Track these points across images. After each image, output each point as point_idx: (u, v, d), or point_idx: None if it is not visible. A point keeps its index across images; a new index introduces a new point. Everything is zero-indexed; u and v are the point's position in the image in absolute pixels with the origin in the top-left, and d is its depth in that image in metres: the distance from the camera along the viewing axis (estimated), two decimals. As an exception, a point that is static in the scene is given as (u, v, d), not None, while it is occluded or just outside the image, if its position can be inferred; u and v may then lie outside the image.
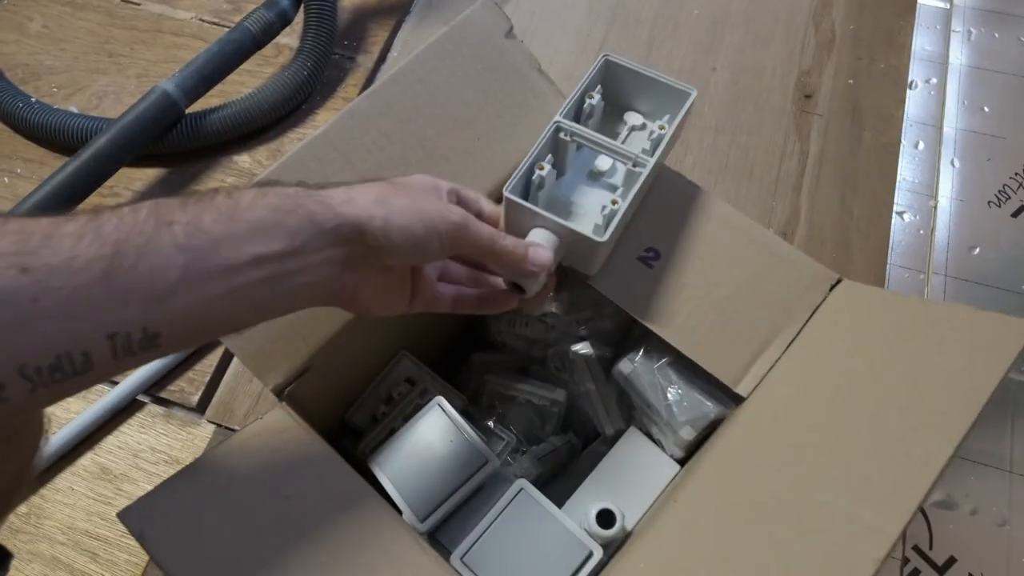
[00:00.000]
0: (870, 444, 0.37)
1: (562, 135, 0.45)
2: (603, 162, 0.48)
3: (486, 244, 0.38)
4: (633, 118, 0.49)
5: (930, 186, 0.70)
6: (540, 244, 0.41)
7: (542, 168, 0.44)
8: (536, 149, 0.44)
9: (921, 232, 0.68)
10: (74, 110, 0.76)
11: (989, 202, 0.69)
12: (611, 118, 0.50)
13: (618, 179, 0.47)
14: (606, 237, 0.41)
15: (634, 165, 0.44)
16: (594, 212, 0.46)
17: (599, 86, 0.47)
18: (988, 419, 0.63)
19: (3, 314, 0.23)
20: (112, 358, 0.27)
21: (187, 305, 0.27)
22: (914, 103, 0.74)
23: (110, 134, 0.67)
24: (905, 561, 0.59)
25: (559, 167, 0.47)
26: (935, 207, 0.69)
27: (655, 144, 0.45)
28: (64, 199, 0.66)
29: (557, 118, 0.45)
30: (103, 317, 0.26)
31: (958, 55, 0.76)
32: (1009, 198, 0.69)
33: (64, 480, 0.61)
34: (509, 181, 0.43)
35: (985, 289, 0.66)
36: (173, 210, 0.28)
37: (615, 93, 0.49)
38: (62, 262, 0.25)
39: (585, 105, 0.46)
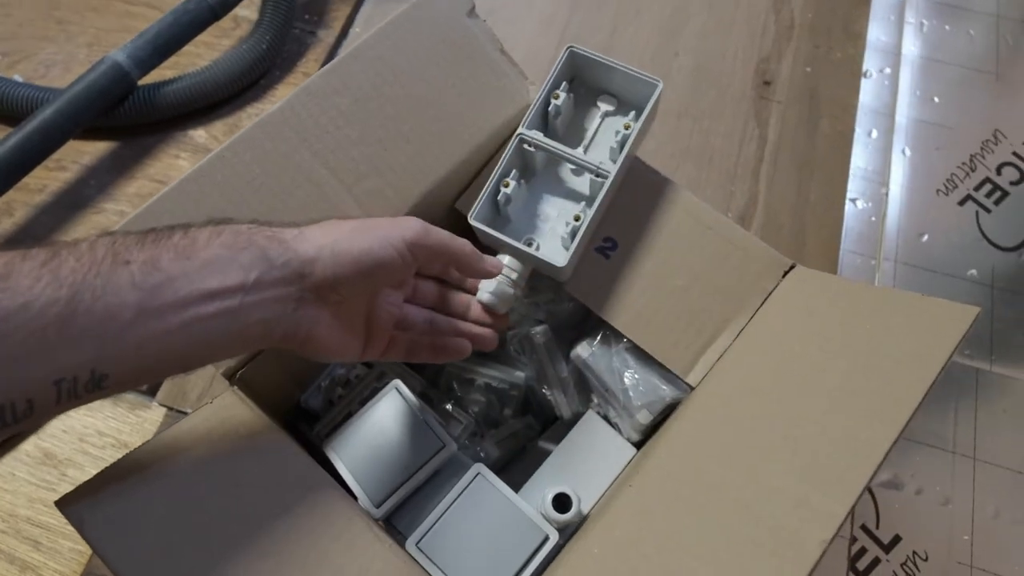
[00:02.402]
0: (819, 429, 0.38)
1: (526, 147, 0.45)
2: (568, 172, 0.48)
3: (448, 243, 0.38)
4: (606, 103, 0.49)
5: (882, 174, 0.71)
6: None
7: (507, 185, 0.45)
8: (501, 165, 0.45)
9: (873, 219, 0.69)
10: (19, 79, 0.72)
11: (937, 190, 0.71)
12: (585, 103, 0.50)
13: (585, 187, 0.48)
14: (566, 262, 0.43)
15: (597, 175, 0.45)
16: (562, 224, 0.47)
17: (565, 82, 0.47)
18: (932, 401, 0.65)
19: None
20: (55, 403, 0.26)
21: (139, 343, 0.27)
22: (868, 92, 0.75)
23: (57, 105, 0.64)
24: (852, 540, 0.61)
25: (529, 172, 0.48)
26: (886, 194, 0.70)
27: (622, 143, 0.45)
28: (8, 171, 0.63)
29: (521, 130, 0.45)
30: (54, 362, 0.25)
31: (911, 46, 0.77)
32: (956, 187, 0.71)
33: (5, 465, 0.59)
34: (475, 204, 0.45)
35: (933, 275, 0.67)
36: (130, 248, 0.28)
37: (586, 79, 0.49)
38: (17, 307, 0.24)
39: (551, 107, 0.46)
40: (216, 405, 0.40)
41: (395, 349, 0.42)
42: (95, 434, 0.60)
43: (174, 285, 0.28)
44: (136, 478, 0.36)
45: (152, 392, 0.61)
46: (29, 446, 0.60)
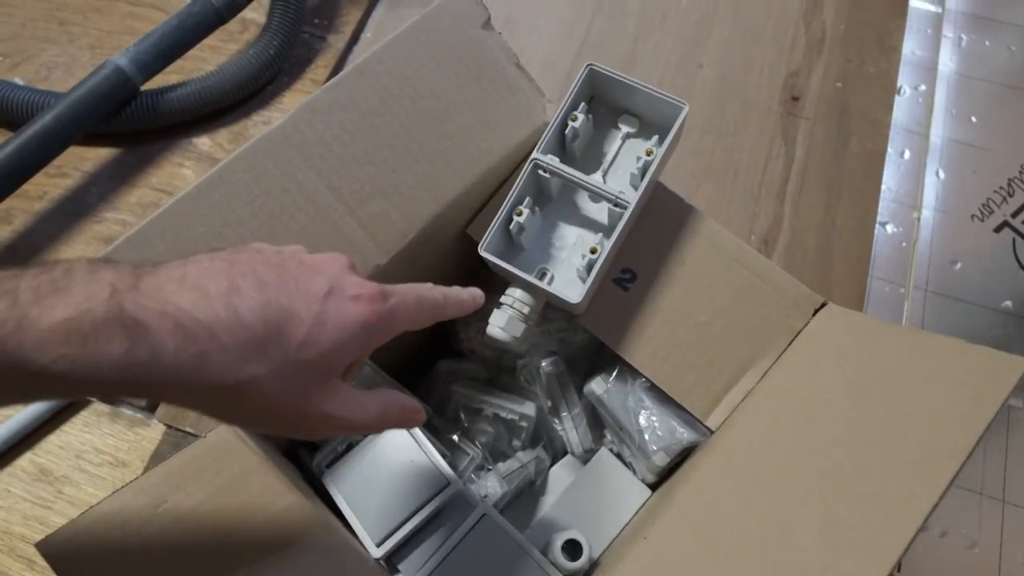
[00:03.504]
0: (851, 485, 0.35)
1: (541, 172, 0.43)
2: (585, 198, 0.46)
3: (414, 312, 0.32)
4: (627, 124, 0.46)
5: (914, 196, 0.68)
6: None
7: (520, 214, 0.42)
8: (514, 192, 0.42)
9: (903, 244, 0.66)
10: (19, 82, 0.70)
11: (972, 216, 0.68)
12: (605, 123, 0.47)
13: (603, 215, 0.45)
14: (581, 298, 0.41)
15: (616, 205, 0.42)
16: (578, 255, 0.45)
17: (584, 103, 0.45)
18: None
19: None
20: None
21: None
22: (901, 109, 0.72)
23: (58, 110, 0.62)
24: (873, 583, 0.58)
25: (544, 198, 0.46)
26: (918, 219, 0.67)
27: (644, 169, 0.43)
28: (8, 177, 0.61)
29: (535, 154, 0.43)
30: None
31: (947, 61, 0.74)
32: (992, 212, 0.68)
33: (0, 482, 0.57)
34: (486, 234, 0.42)
35: (965, 306, 0.64)
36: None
37: (606, 98, 0.47)
38: None
39: (568, 130, 0.44)
40: (210, 441, 0.38)
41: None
42: (92, 451, 0.59)
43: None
44: (123, 521, 0.34)
45: (151, 409, 0.59)
46: (25, 462, 0.58)
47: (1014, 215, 0.67)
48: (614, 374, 0.46)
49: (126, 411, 0.60)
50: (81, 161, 0.68)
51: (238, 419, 0.30)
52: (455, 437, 0.50)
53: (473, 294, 0.37)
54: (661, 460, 0.44)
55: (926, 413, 0.36)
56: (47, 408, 0.58)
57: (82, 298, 0.24)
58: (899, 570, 0.59)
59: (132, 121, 0.67)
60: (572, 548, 0.42)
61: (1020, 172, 0.69)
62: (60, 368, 0.23)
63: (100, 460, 0.59)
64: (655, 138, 0.45)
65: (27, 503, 0.57)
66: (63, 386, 0.24)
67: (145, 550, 0.34)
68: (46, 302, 0.23)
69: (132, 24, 0.74)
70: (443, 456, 0.45)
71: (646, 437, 0.43)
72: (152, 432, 0.59)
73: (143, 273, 0.26)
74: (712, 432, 0.42)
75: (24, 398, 0.25)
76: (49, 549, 0.33)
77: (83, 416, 0.60)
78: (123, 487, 0.36)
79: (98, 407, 0.60)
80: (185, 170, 0.68)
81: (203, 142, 0.69)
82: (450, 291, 0.35)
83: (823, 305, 0.44)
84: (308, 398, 0.29)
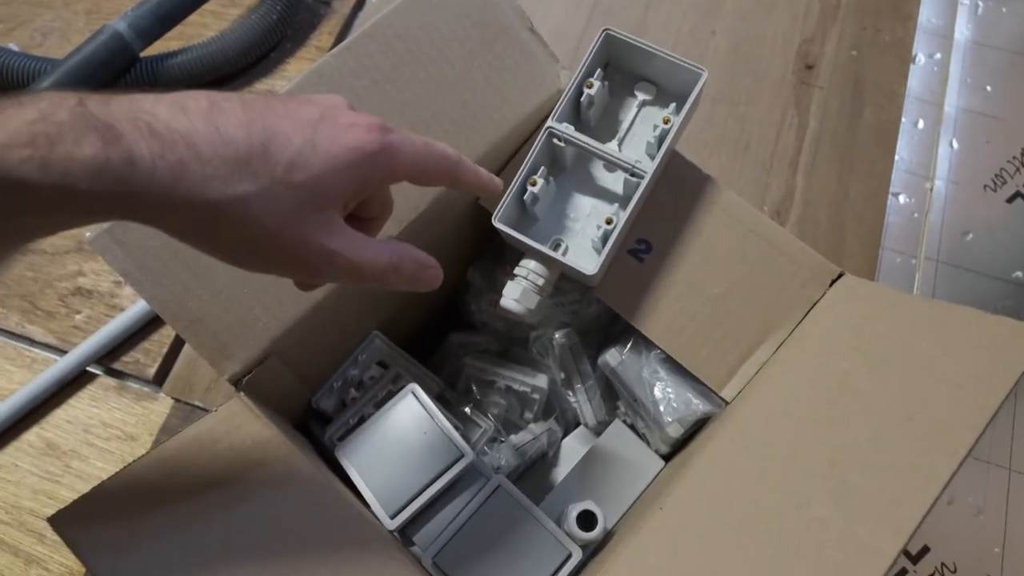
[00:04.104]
0: (868, 455, 0.35)
1: (556, 141, 0.42)
2: (600, 168, 0.45)
3: (424, 162, 0.30)
4: (644, 91, 0.45)
5: (927, 167, 0.68)
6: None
7: (534, 184, 0.41)
8: (528, 162, 0.41)
9: (915, 215, 0.66)
10: (14, 47, 0.68)
11: (985, 186, 0.67)
12: (620, 90, 0.46)
13: (618, 185, 0.44)
14: (596, 269, 0.40)
15: (632, 175, 0.41)
16: (593, 225, 0.44)
17: (600, 69, 0.43)
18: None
19: None
20: None
21: None
22: (916, 78, 0.71)
23: (55, 77, 0.61)
24: (880, 551, 0.59)
25: (558, 167, 0.45)
26: (931, 189, 0.66)
27: (661, 138, 0.42)
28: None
29: (550, 122, 0.42)
30: None
31: (963, 29, 0.73)
32: (1005, 183, 0.67)
33: (8, 456, 0.57)
34: (500, 204, 0.41)
35: (976, 276, 0.64)
36: None
37: (622, 64, 0.46)
38: None
39: (583, 97, 0.43)
40: (221, 414, 0.38)
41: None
42: (100, 425, 0.58)
43: None
44: (135, 495, 0.34)
45: (159, 383, 0.59)
46: (32, 436, 0.58)
47: (1028, 186, 0.67)
48: (628, 345, 0.46)
49: (132, 385, 0.60)
50: (81, 130, 0.67)
51: (227, 247, 0.27)
52: (467, 409, 0.50)
53: (492, 177, 0.35)
54: (675, 431, 0.43)
55: (943, 383, 0.36)
56: (54, 381, 0.58)
57: (46, 105, 0.22)
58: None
59: (132, 88, 0.65)
60: (586, 519, 0.42)
61: (1034, 142, 0.68)
62: (29, 172, 0.21)
63: (108, 434, 0.58)
64: (672, 106, 0.44)
65: (35, 477, 0.57)
66: (37, 199, 0.22)
67: (157, 524, 0.34)
68: (8, 112, 0.22)
69: (128, -12, 0.72)
70: (455, 428, 0.45)
71: (661, 408, 0.43)
72: (160, 406, 0.59)
73: (116, 95, 0.24)
74: (727, 403, 0.42)
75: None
76: (61, 524, 0.33)
77: (90, 390, 0.60)
78: (134, 461, 0.35)
79: (105, 381, 0.60)
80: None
81: (205, 111, 0.68)
82: (465, 158, 0.33)
83: (840, 276, 0.43)
84: (303, 227, 0.26)
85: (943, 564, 0.58)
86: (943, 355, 0.37)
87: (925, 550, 0.59)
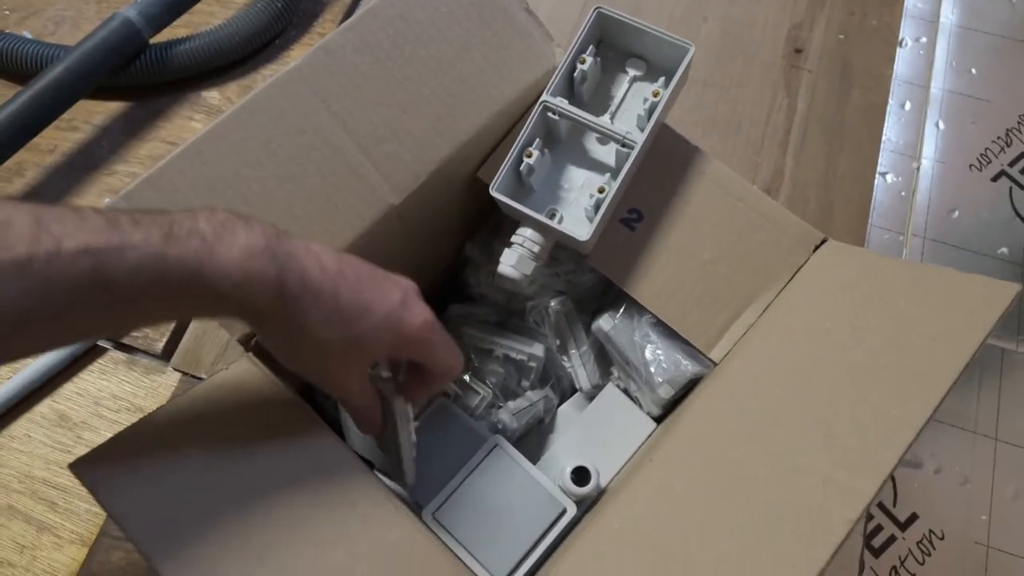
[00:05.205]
0: (848, 406, 0.37)
1: (550, 115, 0.44)
2: (593, 140, 0.47)
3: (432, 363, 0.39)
4: (635, 67, 0.47)
5: (914, 147, 0.69)
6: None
7: (530, 155, 0.43)
8: (524, 134, 0.43)
9: (903, 194, 0.67)
10: (28, 35, 0.71)
11: (971, 165, 0.69)
12: (612, 67, 0.48)
13: (611, 157, 0.46)
14: (589, 236, 0.42)
15: (623, 145, 0.43)
16: (586, 195, 0.46)
17: (592, 46, 0.45)
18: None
19: None
20: None
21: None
22: (903, 62, 0.72)
23: (68, 63, 0.63)
24: (869, 517, 0.60)
25: (552, 140, 0.47)
26: (918, 169, 0.68)
27: (651, 110, 0.44)
28: (19, 131, 0.62)
29: (545, 97, 0.44)
30: None
31: (949, 14, 0.74)
32: (990, 162, 0.69)
33: (20, 427, 0.59)
34: (497, 175, 0.43)
35: (962, 253, 0.66)
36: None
37: (614, 42, 0.48)
38: None
39: (576, 72, 0.45)
40: (231, 372, 0.40)
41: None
42: (110, 398, 0.60)
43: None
44: (151, 443, 0.36)
45: (167, 357, 0.61)
46: (44, 408, 0.60)
47: (1011, 164, 0.68)
48: (621, 311, 0.47)
49: (141, 359, 0.62)
50: (91, 115, 0.69)
51: (293, 356, 0.37)
52: (466, 377, 0.52)
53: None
54: (666, 392, 0.45)
55: (921, 337, 0.37)
56: (65, 355, 0.60)
57: (244, 240, 0.31)
58: (895, 505, 0.61)
59: (141, 74, 0.67)
60: (580, 475, 0.44)
61: (1018, 123, 0.70)
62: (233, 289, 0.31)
63: (118, 406, 0.60)
64: (661, 80, 0.46)
65: (47, 448, 0.59)
66: (225, 307, 0.32)
67: (170, 471, 0.35)
68: (226, 240, 0.31)
69: (138, -22, 0.74)
70: (454, 396, 0.46)
71: (652, 370, 0.45)
72: (168, 379, 0.61)
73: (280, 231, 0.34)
74: (716, 364, 0.44)
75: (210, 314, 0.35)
76: (81, 469, 0.35)
77: (100, 364, 0.61)
78: (154, 411, 0.37)
79: (114, 355, 0.61)
80: (195, 123, 0.69)
81: (212, 96, 0.70)
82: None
83: (823, 241, 0.45)
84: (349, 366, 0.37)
85: (931, 531, 0.60)
86: (921, 311, 0.39)
87: (914, 517, 0.61)
